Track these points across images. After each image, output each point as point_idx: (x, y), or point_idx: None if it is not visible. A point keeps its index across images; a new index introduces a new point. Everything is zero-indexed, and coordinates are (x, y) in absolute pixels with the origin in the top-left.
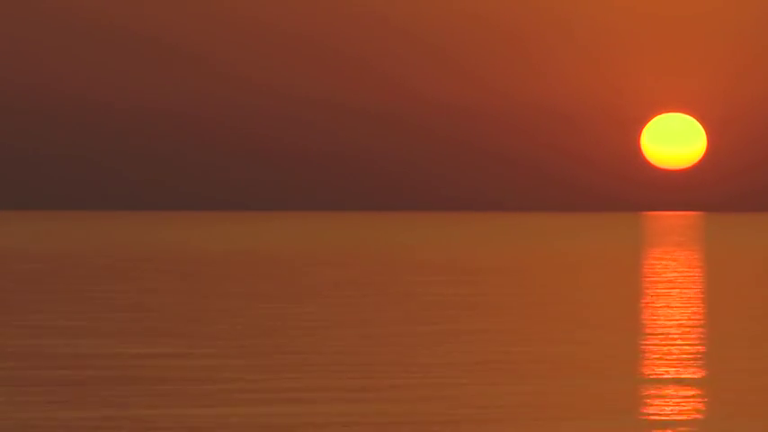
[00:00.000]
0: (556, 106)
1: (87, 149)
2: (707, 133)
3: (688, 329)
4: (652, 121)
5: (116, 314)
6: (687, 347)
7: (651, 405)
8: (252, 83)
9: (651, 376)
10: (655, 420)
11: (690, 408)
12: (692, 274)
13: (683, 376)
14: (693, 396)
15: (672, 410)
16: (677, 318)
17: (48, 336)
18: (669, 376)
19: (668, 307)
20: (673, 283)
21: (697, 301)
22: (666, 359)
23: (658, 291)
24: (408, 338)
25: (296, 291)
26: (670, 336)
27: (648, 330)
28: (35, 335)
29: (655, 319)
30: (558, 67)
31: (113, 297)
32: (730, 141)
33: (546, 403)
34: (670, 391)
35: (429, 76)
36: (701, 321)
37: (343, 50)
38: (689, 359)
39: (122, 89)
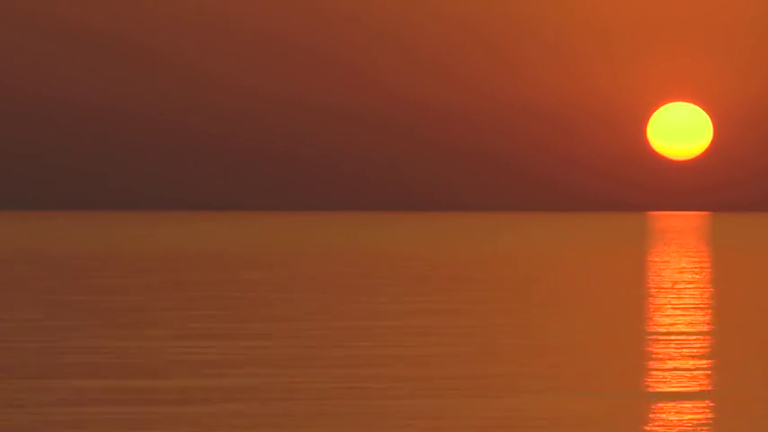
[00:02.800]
0: (557, 105)
1: (63, 150)
2: (713, 123)
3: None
4: (657, 112)
5: None
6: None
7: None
8: (237, 86)
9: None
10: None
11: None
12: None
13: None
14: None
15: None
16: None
17: None
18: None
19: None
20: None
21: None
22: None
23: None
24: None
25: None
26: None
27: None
28: None
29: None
30: (556, 66)
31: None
32: (736, 134)
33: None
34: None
35: (417, 79)
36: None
37: (325, 53)
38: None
39: (100, 90)
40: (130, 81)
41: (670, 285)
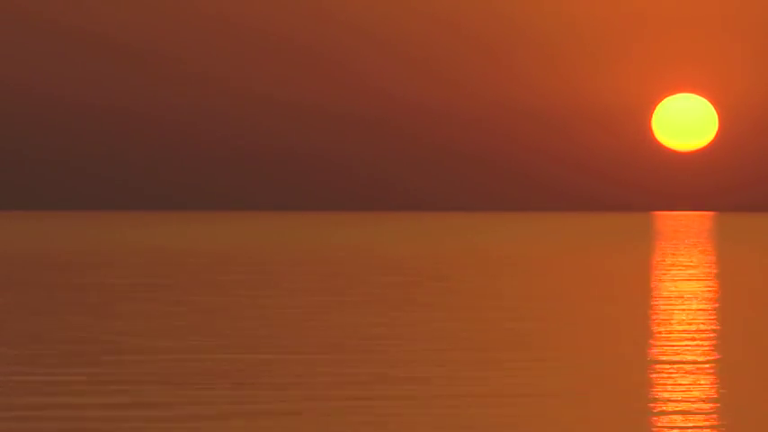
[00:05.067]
0: (556, 106)
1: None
2: (719, 115)
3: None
4: (660, 105)
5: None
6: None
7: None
8: (230, 87)
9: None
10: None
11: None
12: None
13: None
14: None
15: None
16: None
17: None
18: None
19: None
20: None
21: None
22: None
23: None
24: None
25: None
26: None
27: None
28: None
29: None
30: (553, 67)
31: None
32: (742, 125)
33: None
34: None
35: (409, 81)
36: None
37: (318, 53)
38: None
39: (98, 91)
40: (126, 82)
41: (672, 289)
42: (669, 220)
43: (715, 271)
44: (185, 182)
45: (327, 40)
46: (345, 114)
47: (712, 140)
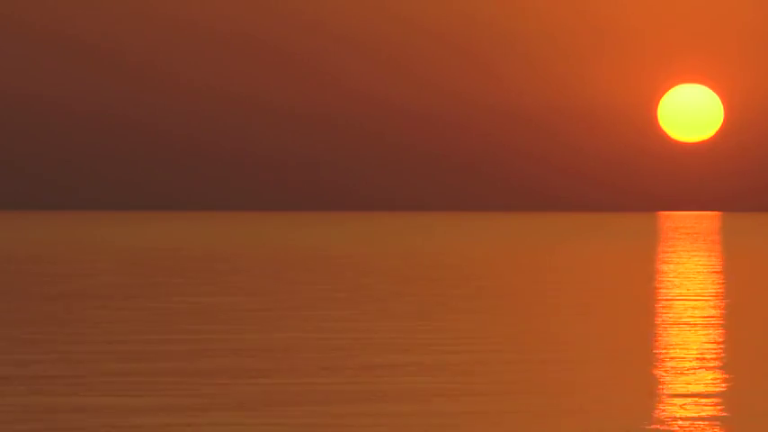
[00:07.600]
0: (557, 108)
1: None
2: (724, 106)
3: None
4: (664, 98)
5: None
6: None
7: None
8: (210, 90)
9: None
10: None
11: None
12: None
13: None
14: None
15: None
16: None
17: None
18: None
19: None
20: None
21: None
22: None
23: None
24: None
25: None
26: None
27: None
28: None
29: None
30: (552, 66)
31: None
32: (748, 117)
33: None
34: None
35: (390, 83)
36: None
37: (300, 57)
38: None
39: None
40: (109, 87)
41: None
42: (675, 220)
43: (721, 270)
44: (158, 183)
45: (310, 45)
46: (329, 118)
47: (718, 131)
